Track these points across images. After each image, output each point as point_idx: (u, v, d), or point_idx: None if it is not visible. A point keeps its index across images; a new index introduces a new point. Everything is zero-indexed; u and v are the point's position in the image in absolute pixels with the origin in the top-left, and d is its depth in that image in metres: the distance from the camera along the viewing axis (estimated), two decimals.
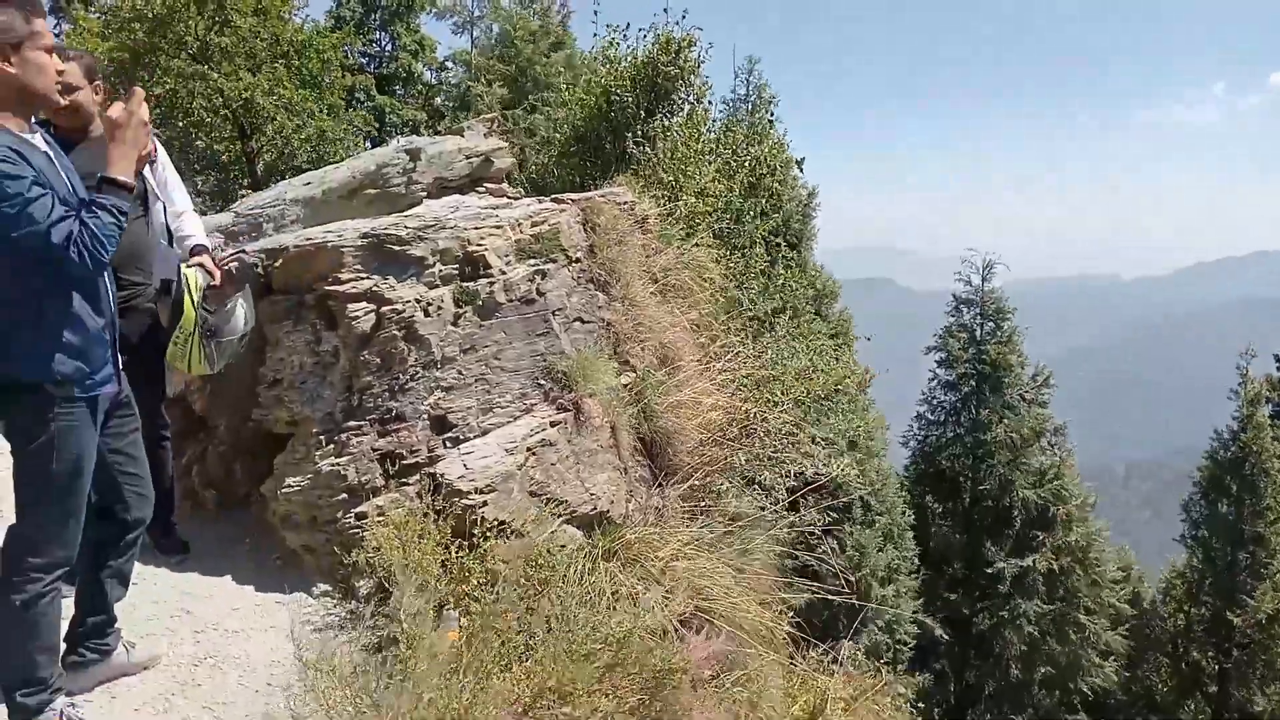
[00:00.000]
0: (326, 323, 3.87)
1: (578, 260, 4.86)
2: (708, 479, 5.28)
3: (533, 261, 4.51)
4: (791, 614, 5.48)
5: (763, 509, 5.57)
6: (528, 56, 19.52)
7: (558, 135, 9.68)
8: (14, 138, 2.38)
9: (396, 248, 3.94)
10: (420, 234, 4.03)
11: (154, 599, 3.52)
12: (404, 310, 3.87)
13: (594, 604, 3.65)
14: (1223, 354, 21.44)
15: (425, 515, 3.58)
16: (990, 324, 15.94)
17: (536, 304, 4.42)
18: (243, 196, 6.08)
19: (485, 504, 3.72)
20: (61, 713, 2.67)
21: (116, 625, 3.01)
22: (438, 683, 2.86)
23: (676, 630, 4.03)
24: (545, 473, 4.08)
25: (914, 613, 13.50)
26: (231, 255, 3.77)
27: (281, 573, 3.79)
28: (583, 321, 4.83)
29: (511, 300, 4.30)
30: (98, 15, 14.30)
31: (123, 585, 3.00)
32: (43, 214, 2.31)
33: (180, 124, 13.32)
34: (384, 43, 20.31)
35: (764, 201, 9.19)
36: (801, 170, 12.21)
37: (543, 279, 4.50)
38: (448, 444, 3.97)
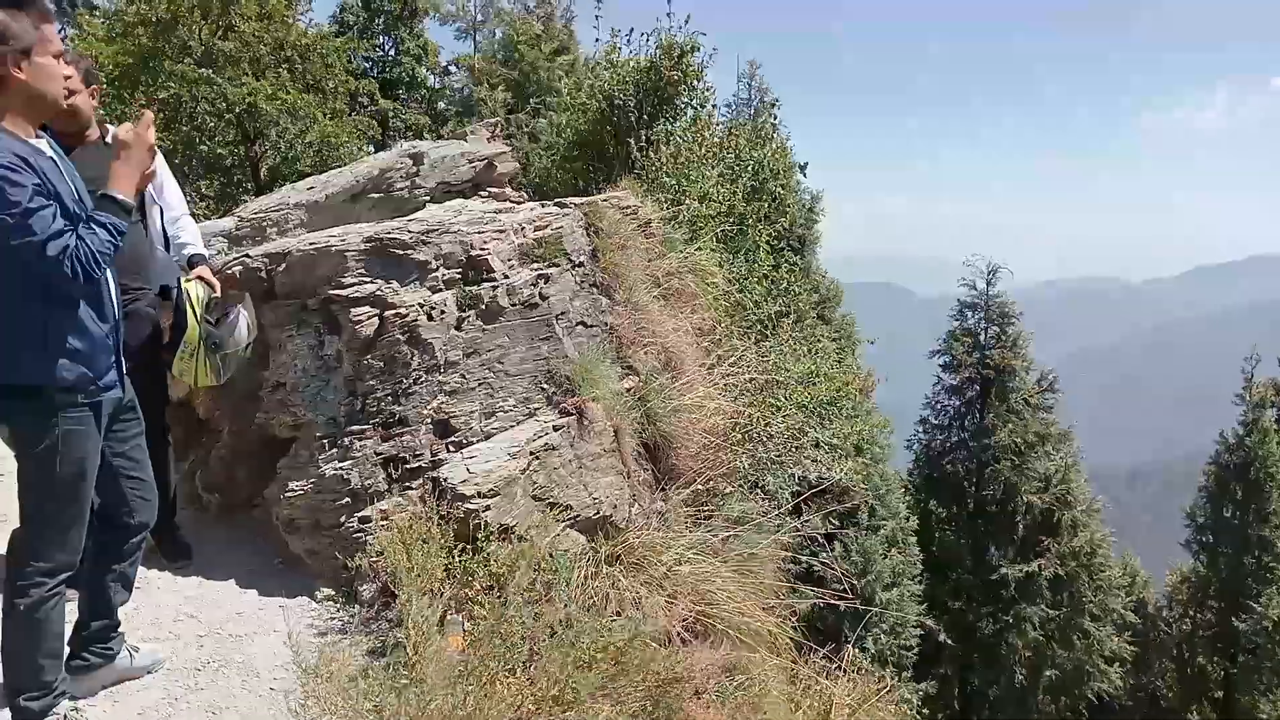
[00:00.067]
0: (330, 327, 3.88)
1: (581, 264, 4.86)
2: (711, 483, 5.27)
3: (536, 265, 4.52)
4: (795, 619, 5.46)
5: (766, 513, 5.56)
6: (531, 61, 19.58)
7: (560, 139, 9.70)
8: (21, 144, 2.38)
9: (400, 252, 3.95)
10: (423, 238, 4.03)
11: (157, 603, 3.53)
12: (407, 314, 3.87)
13: (598, 609, 3.64)
14: (1227, 358, 21.40)
15: (428, 519, 3.57)
16: (995, 328, 15.93)
17: (539, 308, 4.42)
18: (246, 201, 6.10)
19: (488, 508, 3.71)
20: (65, 717, 2.67)
21: (120, 629, 3.01)
22: (443, 689, 2.85)
23: (680, 635, 4.02)
24: (548, 477, 4.07)
25: (918, 618, 13.46)
26: (233, 260, 3.78)
27: (284, 577, 3.80)
28: (586, 325, 4.82)
29: (514, 304, 4.30)
30: (102, 20, 14.36)
31: (126, 589, 3.00)
32: (42, 226, 2.31)
33: (184, 128, 13.35)
34: (387, 47, 20.33)
35: (767, 205, 9.18)
36: (805, 175, 12.24)
37: (546, 283, 4.49)
38: (451, 448, 3.97)
